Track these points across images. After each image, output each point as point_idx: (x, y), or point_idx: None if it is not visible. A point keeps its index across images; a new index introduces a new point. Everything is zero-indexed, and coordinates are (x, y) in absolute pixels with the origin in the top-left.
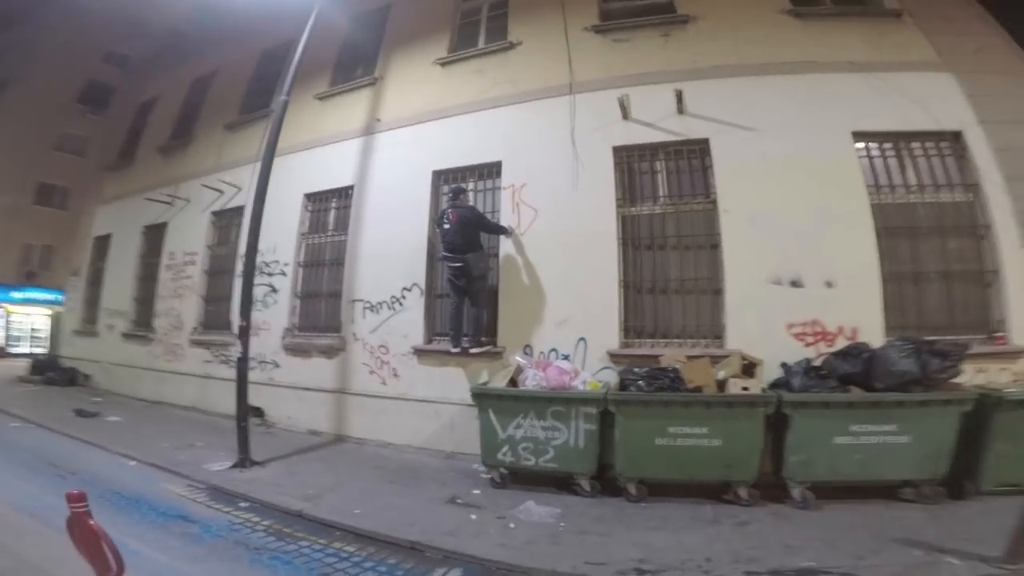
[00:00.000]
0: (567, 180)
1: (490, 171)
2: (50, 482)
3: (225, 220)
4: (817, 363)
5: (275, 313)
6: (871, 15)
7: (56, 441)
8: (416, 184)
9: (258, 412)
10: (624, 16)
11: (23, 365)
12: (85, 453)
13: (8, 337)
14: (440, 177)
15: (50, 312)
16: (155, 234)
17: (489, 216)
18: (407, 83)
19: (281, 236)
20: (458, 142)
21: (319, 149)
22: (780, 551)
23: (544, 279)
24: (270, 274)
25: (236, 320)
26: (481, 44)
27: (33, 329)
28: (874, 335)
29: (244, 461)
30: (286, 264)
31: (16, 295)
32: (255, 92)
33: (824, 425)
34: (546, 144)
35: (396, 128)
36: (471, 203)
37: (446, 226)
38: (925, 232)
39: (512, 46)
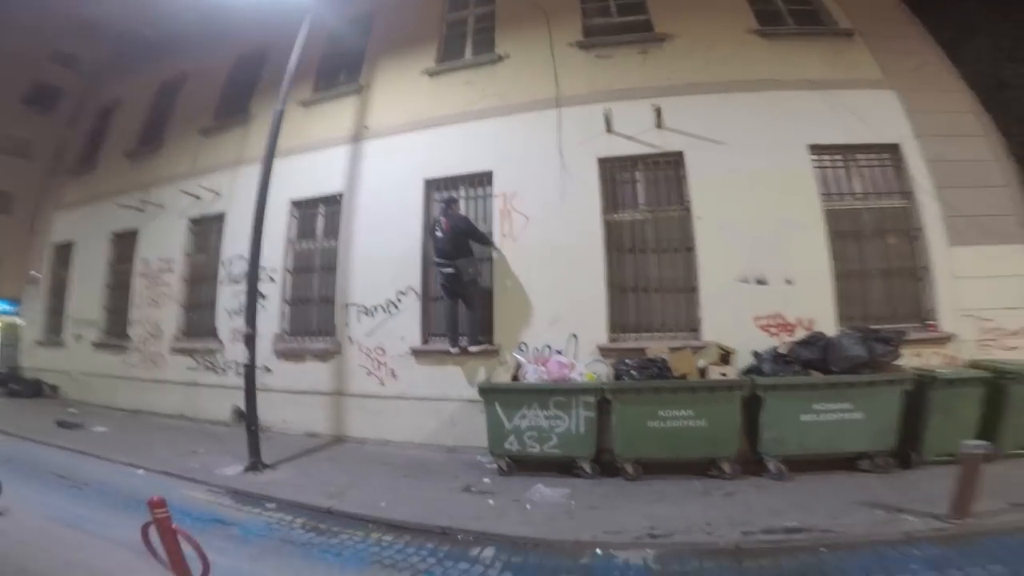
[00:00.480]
0: (555, 189)
1: (481, 180)
2: (68, 493)
3: (203, 226)
4: (783, 351)
5: (264, 319)
6: (827, 34)
7: (51, 453)
8: (408, 192)
9: None
10: (606, 33)
11: None
12: (87, 464)
13: None
14: (432, 185)
15: None
16: (126, 241)
17: (480, 225)
18: (395, 92)
19: (267, 242)
20: (449, 152)
21: (305, 155)
22: (767, 515)
23: (536, 281)
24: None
25: (222, 326)
26: (468, 56)
27: None
28: (828, 325)
29: (256, 464)
30: (274, 270)
31: None
32: (230, 97)
33: (792, 405)
34: (535, 155)
35: (385, 136)
36: (463, 212)
37: (439, 234)
38: (868, 234)
39: (500, 59)
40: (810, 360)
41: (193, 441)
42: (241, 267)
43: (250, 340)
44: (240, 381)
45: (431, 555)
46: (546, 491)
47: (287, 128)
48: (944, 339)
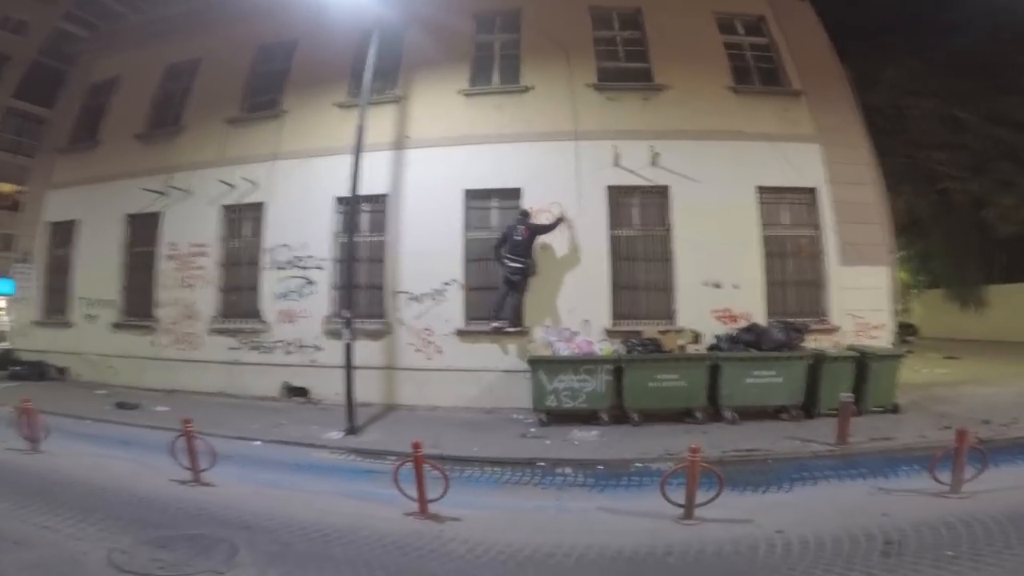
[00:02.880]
0: (573, 208)
1: (511, 194)
2: (227, 464)
3: (237, 214)
4: (733, 335)
5: (313, 303)
6: (782, 93)
7: (148, 433)
8: (449, 198)
9: (302, 391)
10: (615, 78)
11: None
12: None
13: None
14: (470, 195)
15: None
16: (144, 223)
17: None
18: (432, 106)
19: (314, 234)
20: (483, 167)
21: (344, 156)
22: (731, 442)
23: (558, 280)
24: (304, 267)
25: (266, 309)
26: (496, 81)
27: None
28: (760, 318)
29: (353, 428)
30: (323, 259)
31: None
32: (258, 88)
33: (740, 371)
34: (556, 177)
35: (426, 147)
36: (496, 221)
37: (517, 238)
38: (789, 255)
39: (526, 89)
40: (749, 341)
41: (262, 415)
42: (286, 255)
43: (348, 323)
44: (288, 359)
45: (533, 475)
46: (582, 433)
47: (321, 128)
48: (833, 330)
